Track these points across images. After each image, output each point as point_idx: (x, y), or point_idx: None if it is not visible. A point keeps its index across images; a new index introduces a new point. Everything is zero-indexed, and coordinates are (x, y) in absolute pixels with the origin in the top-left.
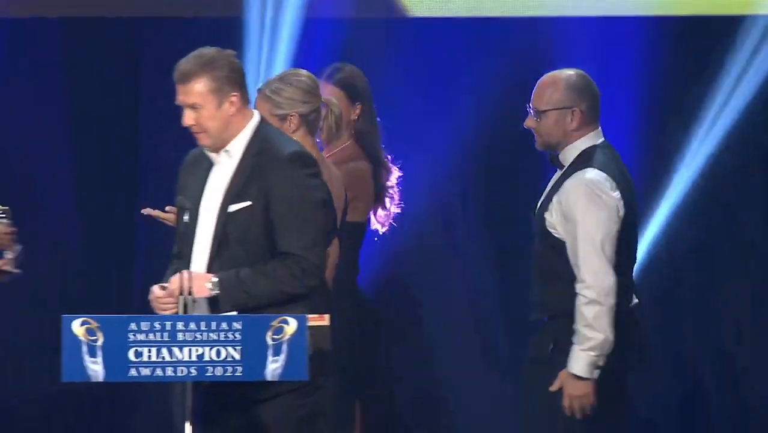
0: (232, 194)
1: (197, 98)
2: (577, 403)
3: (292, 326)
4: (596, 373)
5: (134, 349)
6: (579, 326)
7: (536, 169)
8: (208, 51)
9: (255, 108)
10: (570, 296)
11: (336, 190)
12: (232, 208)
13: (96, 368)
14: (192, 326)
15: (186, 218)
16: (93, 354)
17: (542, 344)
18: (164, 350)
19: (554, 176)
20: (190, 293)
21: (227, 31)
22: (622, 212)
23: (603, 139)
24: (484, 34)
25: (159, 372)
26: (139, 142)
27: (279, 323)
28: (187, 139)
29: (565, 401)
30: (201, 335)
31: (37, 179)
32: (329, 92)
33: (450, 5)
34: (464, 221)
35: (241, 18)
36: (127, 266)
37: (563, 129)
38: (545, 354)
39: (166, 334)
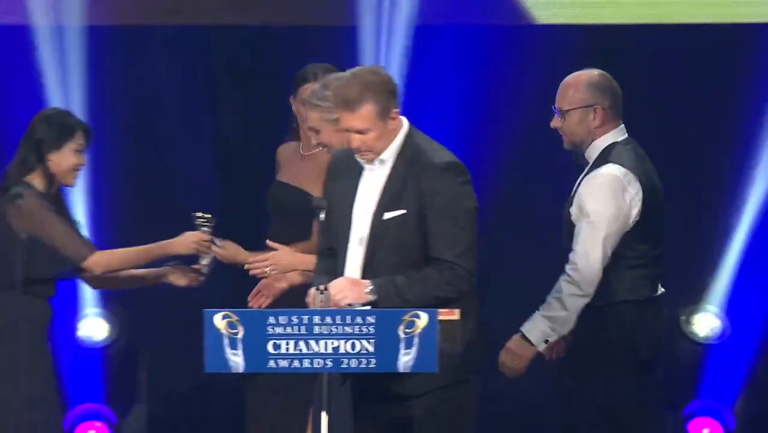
0: (386, 202)
1: (365, 123)
2: (510, 360)
3: (423, 320)
4: (542, 346)
5: (273, 341)
6: (552, 296)
7: None
8: (364, 74)
9: (309, 120)
10: (604, 283)
11: None
12: (387, 215)
13: (237, 360)
14: (328, 319)
15: (322, 216)
16: (234, 346)
17: (581, 333)
18: (302, 343)
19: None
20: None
21: (341, 40)
22: (637, 208)
23: (626, 135)
24: (597, 40)
25: (296, 364)
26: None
27: (411, 317)
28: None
29: (503, 356)
30: (336, 328)
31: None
32: None
33: (569, 11)
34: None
35: (354, 26)
36: None
37: (586, 127)
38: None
39: (303, 327)
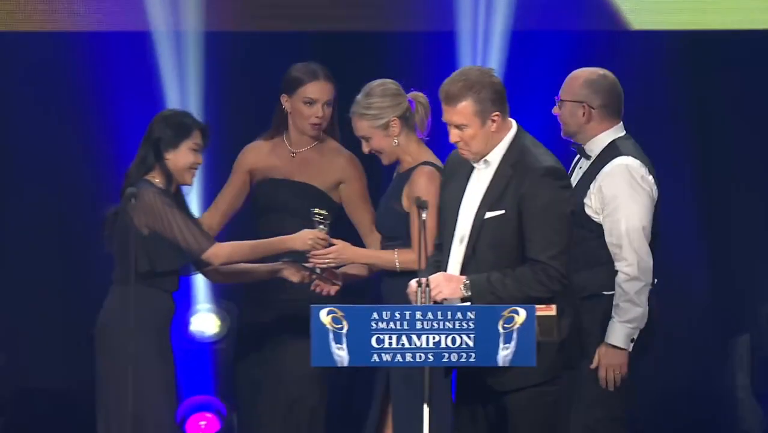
0: (489, 202)
1: (462, 119)
2: (612, 373)
3: (521, 315)
4: (631, 346)
5: (376, 336)
6: (620, 301)
7: None
8: (472, 73)
9: (355, 129)
10: (608, 276)
11: None
12: (488, 215)
13: (342, 354)
14: (429, 315)
15: (424, 215)
16: (339, 341)
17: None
18: (404, 338)
19: (580, 166)
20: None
21: (440, 45)
22: (655, 196)
23: (625, 132)
24: (692, 46)
25: (399, 358)
26: None
27: (509, 312)
28: None
29: (602, 372)
30: (438, 323)
31: None
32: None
33: (670, 18)
34: None
35: (452, 31)
36: None
37: (576, 121)
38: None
39: (405, 322)
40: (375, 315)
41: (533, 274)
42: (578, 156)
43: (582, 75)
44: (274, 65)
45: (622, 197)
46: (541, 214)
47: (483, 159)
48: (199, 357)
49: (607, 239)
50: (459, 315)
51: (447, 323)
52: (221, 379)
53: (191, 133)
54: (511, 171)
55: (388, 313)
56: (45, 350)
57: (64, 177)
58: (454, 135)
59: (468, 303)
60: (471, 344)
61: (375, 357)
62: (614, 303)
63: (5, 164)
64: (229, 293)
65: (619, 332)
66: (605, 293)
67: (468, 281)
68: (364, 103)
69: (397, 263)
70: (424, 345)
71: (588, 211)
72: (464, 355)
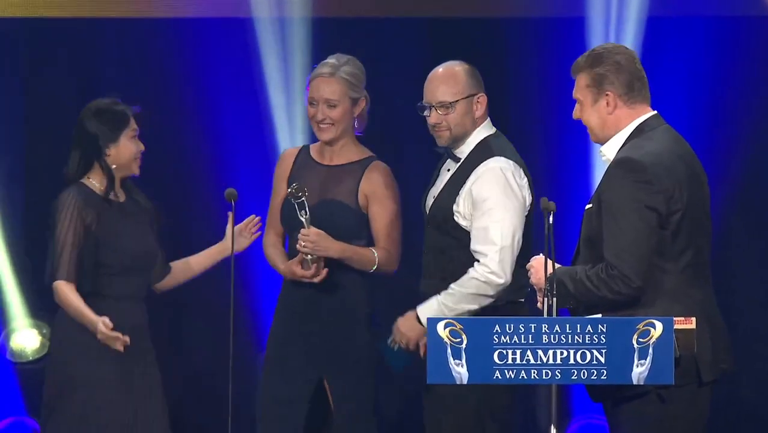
0: (593, 195)
1: (578, 93)
2: (403, 342)
3: (658, 329)
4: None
5: (499, 351)
6: (460, 288)
7: None
8: (600, 47)
9: (322, 91)
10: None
11: None
12: (586, 208)
13: (461, 371)
14: (556, 328)
15: (551, 219)
16: (457, 356)
17: None
18: (528, 353)
19: (448, 168)
20: (547, 292)
21: (570, 31)
22: (528, 201)
23: (495, 129)
24: None
25: (523, 375)
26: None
27: (645, 326)
28: None
29: (396, 335)
30: (566, 337)
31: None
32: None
33: None
34: None
35: (583, 17)
36: None
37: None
38: None
39: (530, 337)
40: (497, 328)
41: (599, 272)
42: (444, 158)
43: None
44: (389, 52)
45: (493, 201)
46: (608, 208)
47: (602, 149)
48: None
49: (472, 245)
50: (589, 328)
51: (576, 337)
52: None
53: (128, 121)
54: (612, 162)
55: (512, 326)
56: None
57: (163, 168)
58: (575, 111)
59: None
60: (602, 360)
61: (497, 374)
62: (453, 285)
63: None
64: None
65: (433, 310)
66: (519, 300)
67: (551, 275)
68: (345, 68)
69: (376, 262)
70: (550, 361)
71: (457, 218)
72: (595, 372)
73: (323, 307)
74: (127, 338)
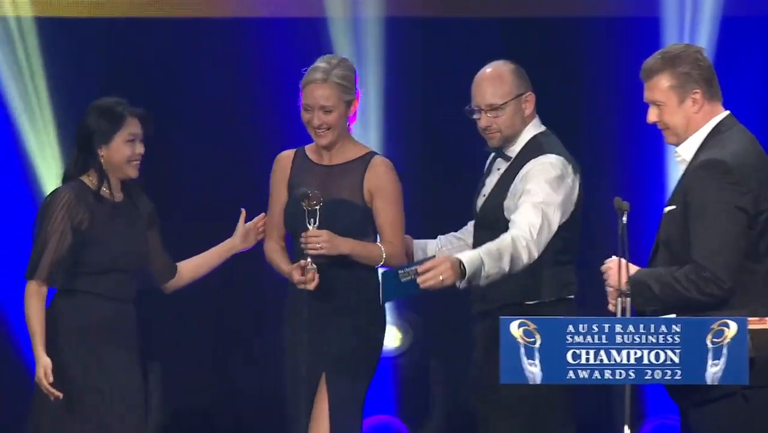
0: (671, 195)
1: (658, 95)
2: (437, 272)
3: (732, 329)
4: (463, 283)
5: (572, 351)
6: (499, 242)
7: None
8: (674, 47)
9: (316, 97)
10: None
11: None
12: (666, 209)
13: (534, 370)
14: (630, 328)
15: (624, 219)
16: (531, 356)
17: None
18: (602, 353)
19: (498, 168)
20: (627, 295)
21: (645, 30)
22: (575, 197)
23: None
24: None
25: (597, 375)
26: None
27: (719, 326)
28: None
29: (431, 263)
30: (639, 337)
31: None
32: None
33: None
34: None
35: (658, 17)
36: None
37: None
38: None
39: (604, 336)
40: (570, 328)
41: (689, 274)
42: (492, 157)
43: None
44: (461, 52)
45: (538, 188)
46: (695, 210)
47: (677, 149)
48: (378, 373)
49: (518, 216)
50: (663, 328)
51: (650, 337)
52: (402, 397)
53: (123, 123)
54: (690, 163)
55: (585, 326)
56: None
57: (234, 167)
58: (652, 114)
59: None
60: (676, 360)
61: (570, 374)
62: (496, 241)
63: (177, 155)
64: (412, 304)
65: (476, 262)
66: (527, 302)
67: (632, 278)
68: (337, 72)
69: (383, 256)
70: (624, 361)
71: (507, 214)
72: (669, 372)
73: (332, 305)
74: (60, 395)
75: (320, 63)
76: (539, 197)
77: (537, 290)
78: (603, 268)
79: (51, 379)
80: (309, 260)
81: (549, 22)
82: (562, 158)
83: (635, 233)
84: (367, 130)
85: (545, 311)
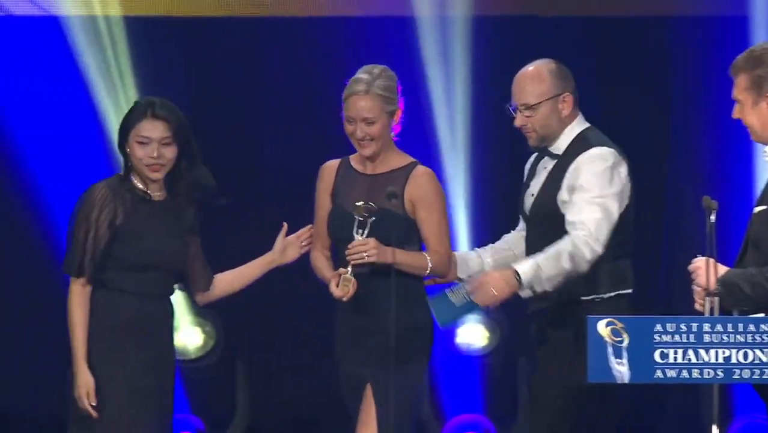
0: (761, 195)
1: (738, 94)
2: (490, 287)
3: None
4: (524, 292)
5: (660, 350)
6: (557, 246)
7: None
8: (760, 47)
9: (359, 109)
10: (586, 279)
11: None
12: (756, 210)
13: (621, 370)
14: (719, 327)
15: (712, 217)
16: (618, 355)
17: (564, 331)
18: (690, 352)
19: (545, 166)
20: (716, 294)
21: (734, 29)
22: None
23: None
24: None
25: (685, 374)
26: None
27: None
28: None
29: (484, 278)
30: (728, 336)
31: None
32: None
33: None
34: None
35: (746, 16)
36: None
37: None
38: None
39: (692, 335)
40: (658, 327)
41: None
42: (537, 156)
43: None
44: (549, 51)
45: (592, 182)
46: None
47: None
48: (466, 372)
49: (567, 216)
50: (752, 327)
51: (738, 336)
52: (490, 396)
53: (135, 124)
54: None
55: (673, 325)
56: None
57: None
58: (735, 110)
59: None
60: (765, 359)
61: (658, 373)
62: (550, 247)
63: (259, 153)
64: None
65: (531, 270)
66: (583, 298)
67: (721, 278)
68: (379, 83)
69: (429, 266)
70: (712, 360)
71: (564, 210)
72: (757, 371)
73: (374, 314)
74: (96, 415)
75: (362, 74)
76: (594, 191)
77: (593, 286)
78: (691, 267)
79: (94, 401)
80: (349, 268)
81: (638, 20)
82: (612, 150)
83: (721, 233)
84: (455, 130)
85: (601, 307)
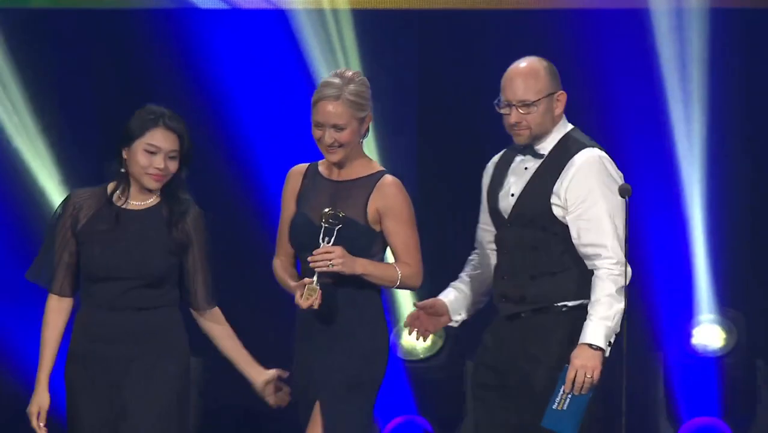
0: None
1: None
2: (583, 376)
3: None
4: (608, 349)
5: None
6: (601, 296)
7: None
8: None
9: (327, 114)
10: (574, 283)
11: None
12: None
13: None
14: None
15: None
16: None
17: (546, 338)
18: None
19: (526, 167)
20: None
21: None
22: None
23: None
24: None
25: None
26: None
27: None
28: None
29: (571, 373)
30: None
31: None
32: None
33: None
34: None
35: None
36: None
37: None
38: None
39: None
40: None
41: None
42: (517, 156)
43: None
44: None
45: (599, 191)
46: None
47: None
48: (703, 374)
49: (583, 238)
50: None
51: None
52: (727, 399)
53: (146, 131)
54: None
55: None
56: None
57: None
58: None
59: None
60: None
61: None
62: (593, 300)
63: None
64: (736, 301)
65: (598, 330)
66: (569, 303)
67: None
68: (351, 88)
69: (398, 278)
70: None
71: (556, 211)
72: None
73: (334, 326)
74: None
75: (333, 78)
76: (602, 205)
77: (582, 290)
78: None
79: (44, 421)
80: (315, 278)
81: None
82: (603, 151)
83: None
84: (691, 122)
85: (567, 316)
